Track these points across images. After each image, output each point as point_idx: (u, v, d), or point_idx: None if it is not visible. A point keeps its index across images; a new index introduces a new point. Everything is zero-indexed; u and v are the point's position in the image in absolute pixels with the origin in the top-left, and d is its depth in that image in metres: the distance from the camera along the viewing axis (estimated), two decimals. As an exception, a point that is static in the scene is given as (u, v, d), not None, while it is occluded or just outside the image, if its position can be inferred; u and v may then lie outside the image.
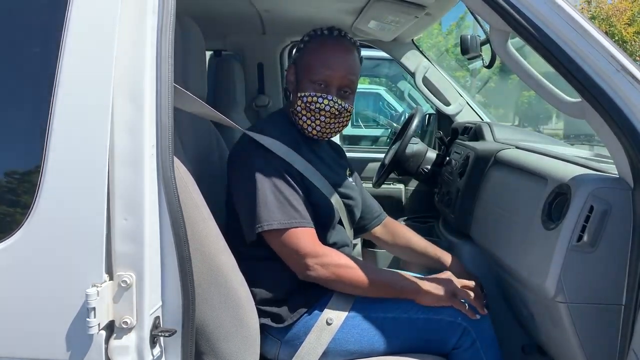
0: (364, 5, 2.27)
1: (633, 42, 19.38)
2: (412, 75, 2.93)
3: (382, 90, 7.60)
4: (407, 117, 2.85)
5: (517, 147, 1.96)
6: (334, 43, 1.52)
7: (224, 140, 1.76)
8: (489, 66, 2.29)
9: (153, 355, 1.03)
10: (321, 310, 1.46)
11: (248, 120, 2.83)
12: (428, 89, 2.92)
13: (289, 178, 1.44)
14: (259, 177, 1.41)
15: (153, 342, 1.03)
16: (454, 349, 1.48)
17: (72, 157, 1.01)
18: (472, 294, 1.50)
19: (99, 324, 0.97)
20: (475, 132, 2.36)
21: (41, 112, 1.01)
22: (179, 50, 1.21)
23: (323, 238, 1.51)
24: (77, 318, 0.99)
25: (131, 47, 1.02)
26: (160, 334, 1.04)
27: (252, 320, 1.34)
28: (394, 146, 2.71)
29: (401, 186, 3.28)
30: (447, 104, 2.92)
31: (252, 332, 1.34)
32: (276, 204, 1.40)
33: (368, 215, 1.82)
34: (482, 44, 2.33)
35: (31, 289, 1.01)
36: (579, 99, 1.22)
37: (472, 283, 1.52)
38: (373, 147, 5.84)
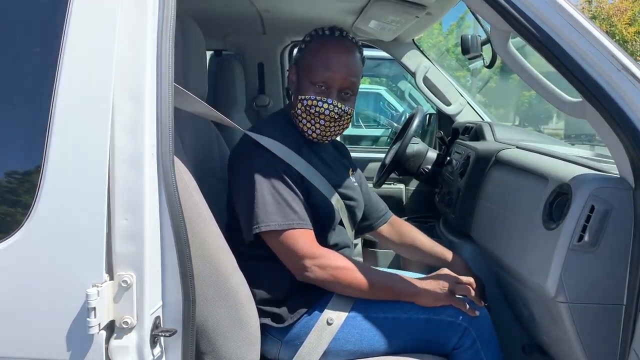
0: (364, 5, 2.27)
1: (634, 42, 19.37)
2: (413, 75, 2.93)
3: (382, 90, 7.59)
4: (407, 117, 2.84)
5: (518, 147, 1.96)
6: (335, 44, 1.52)
7: (224, 140, 1.76)
8: (490, 66, 2.29)
9: (153, 355, 1.03)
10: (322, 311, 1.46)
11: (248, 120, 2.83)
12: (429, 89, 2.92)
13: (289, 179, 1.43)
14: (258, 177, 1.41)
15: (153, 342, 1.03)
16: (454, 349, 1.48)
17: (72, 156, 1.01)
18: (471, 289, 1.48)
19: (99, 324, 0.97)
20: (475, 132, 2.36)
21: (42, 112, 1.01)
22: (179, 50, 1.20)
23: (324, 239, 1.51)
24: (77, 318, 0.99)
25: (131, 47, 1.02)
26: (160, 333, 1.03)
27: (253, 320, 1.34)
28: (394, 146, 2.71)
29: (402, 186, 3.28)
30: (448, 103, 2.92)
31: (252, 332, 1.34)
32: (274, 205, 1.40)
33: (374, 214, 1.82)
34: (483, 43, 2.33)
35: (31, 289, 1.01)
36: (580, 99, 1.22)
37: (470, 279, 1.51)
38: (374, 147, 5.84)
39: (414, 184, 3.25)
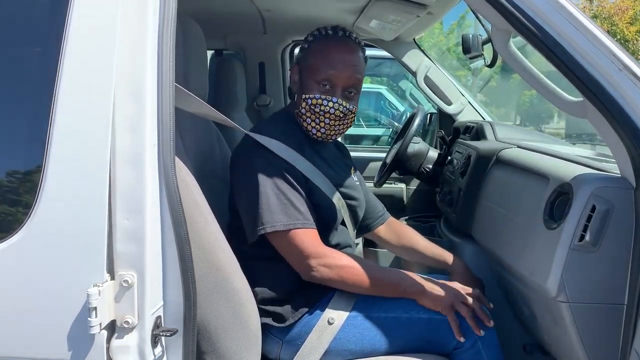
0: (365, 4, 2.27)
1: (635, 41, 19.34)
2: (414, 74, 2.93)
3: (383, 90, 7.58)
4: (408, 116, 2.84)
5: (519, 147, 1.96)
6: (338, 43, 1.52)
7: (225, 140, 1.76)
8: (491, 65, 2.28)
9: (154, 355, 1.03)
10: (322, 310, 1.46)
11: (249, 119, 2.83)
12: (429, 88, 2.91)
13: (292, 179, 1.43)
14: (262, 178, 1.41)
15: (154, 341, 1.03)
16: (455, 349, 1.48)
17: (73, 156, 1.01)
18: (477, 305, 1.47)
19: (100, 324, 0.97)
20: (476, 132, 2.36)
21: (42, 112, 1.01)
22: (180, 50, 1.21)
23: (326, 239, 1.51)
24: (78, 318, 0.99)
25: (132, 47, 1.02)
26: (161, 333, 1.03)
27: (254, 320, 1.34)
28: (395, 145, 2.71)
29: (403, 185, 3.28)
30: (449, 103, 2.92)
31: (253, 331, 1.34)
32: (279, 205, 1.40)
33: (371, 215, 1.82)
34: (484, 43, 2.33)
35: (32, 289, 1.01)
36: (581, 98, 1.21)
37: (478, 292, 1.51)
38: (374, 146, 5.84)
39: (414, 183, 3.25)
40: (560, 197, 1.36)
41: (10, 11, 1.08)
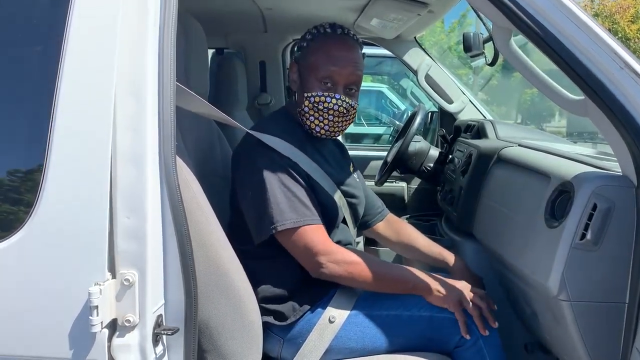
0: (366, 3, 2.27)
1: (637, 40, 19.30)
2: (415, 73, 2.92)
3: (384, 88, 7.58)
4: (409, 115, 2.84)
5: (520, 145, 1.96)
6: (338, 41, 1.52)
7: (226, 139, 1.76)
8: (492, 64, 2.28)
9: (156, 354, 1.03)
10: (324, 308, 1.47)
11: (250, 118, 2.83)
12: (431, 87, 2.91)
13: (296, 176, 1.43)
14: (267, 176, 1.41)
15: (156, 340, 1.03)
16: (456, 347, 1.48)
17: (74, 155, 1.01)
18: (484, 305, 1.47)
19: (101, 322, 0.97)
20: (478, 130, 2.36)
21: (43, 111, 1.01)
22: (180, 49, 1.21)
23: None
24: (79, 316, 0.99)
25: (133, 46, 1.02)
26: (163, 332, 1.04)
27: (255, 318, 1.34)
28: (396, 144, 2.71)
29: (404, 184, 3.28)
30: (450, 101, 2.91)
31: (254, 330, 1.34)
32: (287, 203, 1.40)
33: (370, 211, 1.82)
34: (485, 41, 2.32)
35: (34, 288, 1.02)
36: (582, 96, 1.21)
37: (483, 292, 1.51)
38: (375, 145, 5.83)
39: (416, 182, 3.25)
40: (561, 196, 1.36)
41: (10, 11, 1.08)
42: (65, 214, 1.00)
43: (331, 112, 1.49)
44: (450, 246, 2.11)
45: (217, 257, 1.21)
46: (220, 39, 3.05)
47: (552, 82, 1.33)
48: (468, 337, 1.44)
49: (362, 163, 3.30)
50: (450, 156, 2.47)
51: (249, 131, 1.47)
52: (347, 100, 1.49)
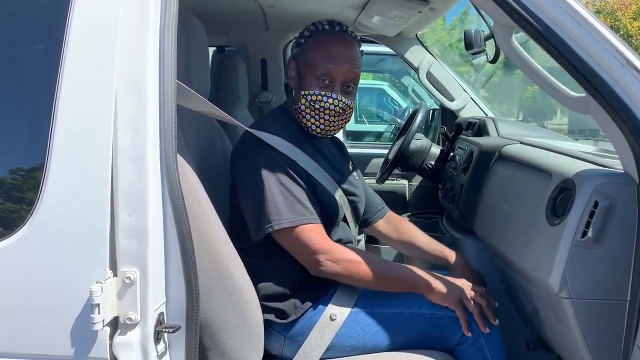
0: (367, 0, 2.26)
1: (638, 37, 19.26)
2: (416, 70, 2.92)
3: (385, 86, 7.58)
4: (410, 112, 2.84)
5: (522, 143, 1.96)
6: (336, 38, 1.52)
7: (227, 137, 1.76)
8: (493, 61, 2.28)
9: (157, 351, 1.03)
10: (325, 306, 1.47)
11: (251, 116, 2.83)
12: (432, 85, 2.91)
13: (295, 175, 1.43)
14: (265, 175, 1.41)
15: (157, 338, 1.03)
16: (457, 344, 1.48)
17: (75, 153, 1.01)
18: (484, 303, 1.47)
19: (103, 320, 0.97)
20: (479, 128, 2.35)
21: (44, 109, 1.01)
22: (181, 47, 1.20)
23: (328, 235, 1.51)
24: (81, 314, 0.99)
25: (134, 44, 1.02)
26: (164, 330, 1.04)
27: (256, 316, 1.34)
28: (397, 142, 2.71)
29: (405, 182, 3.27)
30: (451, 99, 2.91)
31: (255, 328, 1.34)
32: (284, 202, 1.40)
33: (370, 209, 1.82)
34: (486, 38, 2.32)
35: (35, 286, 1.02)
36: (583, 94, 1.21)
37: (484, 290, 1.51)
38: (377, 142, 5.83)
39: (417, 179, 3.24)
40: (562, 193, 1.36)
41: (11, 11, 1.08)
42: (66, 213, 1.01)
43: (327, 111, 1.49)
44: (451, 244, 2.11)
45: (218, 255, 1.22)
46: (221, 37, 3.05)
47: (553, 80, 1.32)
48: (469, 334, 1.44)
49: (363, 161, 3.30)
50: (451, 154, 2.47)
51: (248, 129, 1.47)
52: (343, 100, 1.49)
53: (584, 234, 1.24)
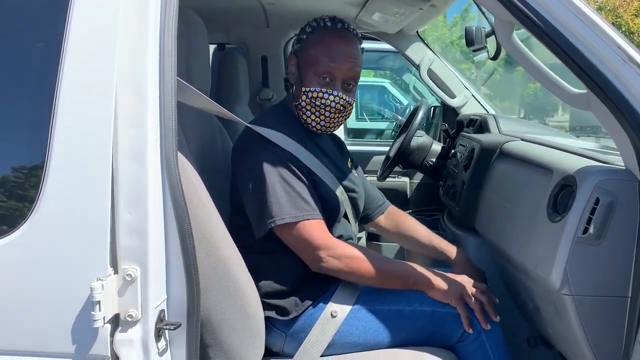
0: (368, -3, 2.26)
1: (640, 33, 19.22)
2: (417, 67, 2.92)
3: (387, 83, 7.57)
4: (412, 109, 2.84)
5: (523, 139, 1.95)
6: (338, 35, 1.51)
7: (227, 134, 1.76)
8: (494, 58, 2.27)
9: (158, 348, 1.04)
10: (326, 303, 1.47)
11: (252, 113, 2.82)
12: (433, 82, 2.90)
13: (297, 170, 1.43)
14: (267, 170, 1.41)
15: (158, 335, 1.03)
16: (458, 341, 1.48)
17: (76, 151, 1.01)
18: (485, 299, 1.47)
19: (104, 317, 0.97)
20: (480, 125, 2.35)
21: (45, 107, 1.01)
22: (182, 44, 1.20)
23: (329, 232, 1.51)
24: (82, 311, 1.00)
25: (134, 41, 1.02)
26: (165, 327, 1.04)
27: (257, 313, 1.34)
28: (398, 139, 2.71)
29: (406, 179, 3.27)
30: (452, 96, 2.91)
31: (256, 324, 1.34)
32: (286, 197, 1.40)
33: (371, 205, 1.82)
34: (487, 35, 2.31)
35: (36, 283, 1.02)
36: (585, 90, 1.21)
37: (484, 286, 1.51)
38: (378, 140, 5.83)
39: (418, 177, 3.24)
40: (563, 190, 1.36)
41: (11, 10, 1.08)
42: (67, 210, 1.01)
43: (328, 108, 1.49)
44: (452, 240, 2.10)
45: (219, 252, 1.22)
46: (221, 34, 3.05)
47: (554, 76, 1.32)
48: (471, 331, 1.44)
49: (364, 158, 3.29)
50: (452, 151, 2.46)
51: (249, 125, 1.47)
52: (344, 97, 1.49)
53: (585, 230, 1.23)
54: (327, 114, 1.50)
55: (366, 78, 7.73)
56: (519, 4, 1.14)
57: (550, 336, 1.57)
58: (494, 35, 2.01)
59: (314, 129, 1.53)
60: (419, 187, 3.24)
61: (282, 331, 1.47)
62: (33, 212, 1.01)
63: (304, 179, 1.44)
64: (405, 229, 1.83)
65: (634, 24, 19.30)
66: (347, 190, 1.59)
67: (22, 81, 1.08)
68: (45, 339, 1.02)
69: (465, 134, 2.43)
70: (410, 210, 2.85)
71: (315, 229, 1.41)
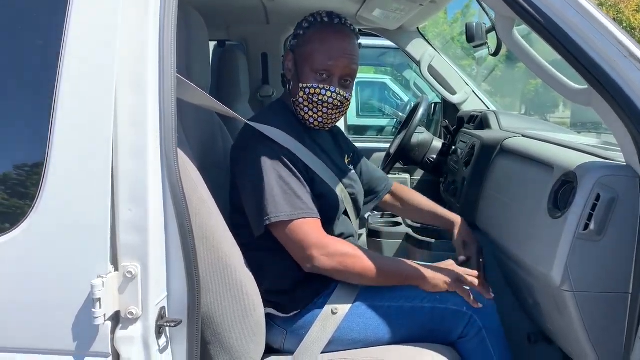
0: (368, -7, 2.25)
1: (641, 29, 19.17)
2: (418, 64, 2.91)
3: (387, 80, 7.55)
4: (412, 106, 2.83)
5: (524, 136, 1.95)
6: (335, 31, 1.50)
7: (228, 131, 1.76)
8: (495, 54, 2.27)
9: (159, 345, 1.04)
10: (326, 300, 1.47)
11: (252, 110, 2.82)
12: (434, 78, 2.90)
13: (295, 168, 1.43)
14: (264, 168, 1.40)
15: (159, 332, 1.03)
16: (459, 338, 1.48)
17: (76, 148, 1.01)
18: (476, 280, 1.49)
19: (104, 315, 0.98)
20: (481, 121, 2.35)
21: (45, 104, 1.01)
22: (181, 41, 1.20)
23: (329, 229, 1.50)
24: (82, 309, 1.00)
25: (134, 38, 1.02)
26: (166, 324, 1.04)
27: (258, 310, 1.34)
28: (399, 136, 2.71)
29: (407, 176, 3.27)
30: (453, 92, 2.90)
31: (257, 321, 1.34)
32: (282, 195, 1.39)
33: (378, 186, 1.87)
34: (488, 31, 2.31)
35: (37, 280, 1.02)
36: (586, 86, 1.20)
37: (475, 272, 1.52)
38: (379, 137, 5.83)
39: (419, 173, 3.24)
40: (564, 186, 1.35)
41: (10, 5, 1.07)
42: (67, 207, 1.01)
43: (325, 104, 1.48)
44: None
45: (220, 249, 1.22)
46: (221, 31, 3.04)
47: (555, 72, 1.32)
48: (480, 305, 1.46)
49: (365, 155, 3.28)
50: (453, 147, 2.46)
51: (248, 122, 1.46)
52: (341, 93, 1.48)
53: (586, 226, 1.23)
54: (324, 110, 1.49)
55: (367, 74, 7.72)
56: (519, -1, 1.13)
57: (550, 332, 1.58)
58: (494, 32, 2.01)
59: (312, 125, 1.53)
60: (420, 184, 3.23)
61: (283, 328, 1.47)
62: (33, 210, 1.01)
63: (302, 178, 1.43)
64: (409, 203, 1.91)
65: (635, 19, 19.27)
66: (346, 186, 1.58)
67: (22, 78, 1.08)
68: (45, 337, 1.03)
69: (466, 130, 2.43)
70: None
71: (310, 228, 1.40)
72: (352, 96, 1.55)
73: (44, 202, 1.01)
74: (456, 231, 1.74)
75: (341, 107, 1.51)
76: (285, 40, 3.13)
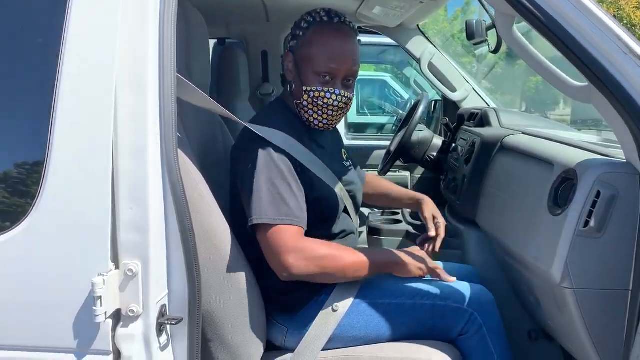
0: (368, -9, 2.25)
1: (642, 26, 19.14)
2: (418, 61, 2.91)
3: (387, 77, 7.54)
4: (412, 104, 2.83)
5: (524, 133, 1.95)
6: (336, 32, 1.48)
7: (229, 130, 1.76)
8: (495, 51, 2.26)
9: (160, 343, 1.04)
10: (327, 297, 1.47)
11: (252, 108, 2.82)
12: (434, 75, 2.90)
13: (289, 172, 1.40)
14: (257, 170, 1.38)
15: (160, 330, 1.04)
16: (460, 335, 1.49)
17: (76, 148, 1.01)
18: (440, 273, 1.51)
19: (105, 313, 0.98)
20: (481, 118, 2.35)
21: (45, 103, 1.01)
22: (182, 39, 1.20)
23: (330, 228, 1.50)
24: (83, 307, 1.00)
25: (134, 37, 1.02)
26: (166, 322, 1.04)
27: (258, 308, 1.35)
28: (399, 133, 2.71)
29: (407, 173, 3.27)
30: (453, 90, 2.90)
31: (258, 319, 1.34)
32: (269, 198, 1.36)
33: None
34: (488, 28, 2.30)
35: (37, 279, 1.02)
36: (586, 83, 1.20)
37: (435, 263, 1.52)
38: (379, 134, 5.82)
39: (419, 171, 3.24)
40: (564, 183, 1.36)
41: (10, 4, 1.07)
42: (68, 206, 1.01)
43: (331, 107, 1.47)
44: (453, 235, 2.11)
45: (220, 247, 1.22)
46: (221, 29, 3.04)
47: (555, 69, 1.32)
48: (454, 279, 1.50)
49: (365, 153, 3.29)
50: (453, 145, 2.46)
51: (247, 125, 1.45)
52: (346, 95, 1.48)
53: (586, 223, 1.23)
54: (329, 112, 1.48)
55: (367, 72, 7.71)
56: (519, -4, 1.13)
57: (551, 329, 1.58)
58: (494, 29, 2.01)
59: (317, 127, 1.52)
60: (420, 181, 3.24)
61: (284, 325, 1.47)
62: (34, 208, 1.01)
63: (298, 182, 1.41)
64: (381, 190, 1.95)
65: (636, 16, 19.24)
66: (345, 184, 1.58)
67: (22, 78, 1.08)
68: (46, 335, 1.03)
69: (466, 127, 2.43)
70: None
71: (288, 236, 1.35)
72: (354, 95, 1.54)
73: (45, 201, 1.01)
74: (425, 207, 1.78)
75: (345, 108, 1.51)
76: (285, 38, 3.12)
